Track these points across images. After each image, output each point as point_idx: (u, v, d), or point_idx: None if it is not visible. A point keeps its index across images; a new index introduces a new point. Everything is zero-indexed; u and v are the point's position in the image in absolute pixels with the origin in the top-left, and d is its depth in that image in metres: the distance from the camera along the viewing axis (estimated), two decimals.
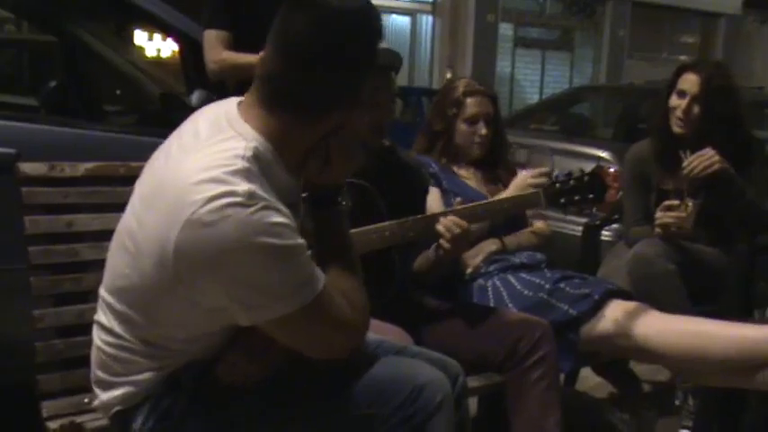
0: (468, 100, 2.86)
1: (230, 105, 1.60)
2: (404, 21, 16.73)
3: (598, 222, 3.72)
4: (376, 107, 2.21)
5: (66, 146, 2.91)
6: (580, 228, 3.93)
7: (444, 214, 2.29)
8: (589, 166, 4.58)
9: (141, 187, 1.61)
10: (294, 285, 1.47)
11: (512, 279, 2.66)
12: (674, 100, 3.10)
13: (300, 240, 1.48)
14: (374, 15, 1.58)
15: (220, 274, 1.43)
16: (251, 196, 1.41)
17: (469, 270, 2.72)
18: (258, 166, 1.47)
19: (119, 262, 1.58)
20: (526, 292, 2.59)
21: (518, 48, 18.13)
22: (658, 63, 18.37)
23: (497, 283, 2.67)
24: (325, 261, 1.63)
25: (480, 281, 2.71)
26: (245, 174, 1.44)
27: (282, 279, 1.45)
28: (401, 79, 15.54)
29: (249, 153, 1.47)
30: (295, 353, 1.56)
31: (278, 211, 1.45)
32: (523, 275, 2.67)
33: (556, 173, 2.46)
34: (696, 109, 3.05)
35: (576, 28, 19.10)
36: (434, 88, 14.63)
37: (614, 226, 4.13)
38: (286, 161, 1.56)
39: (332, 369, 1.63)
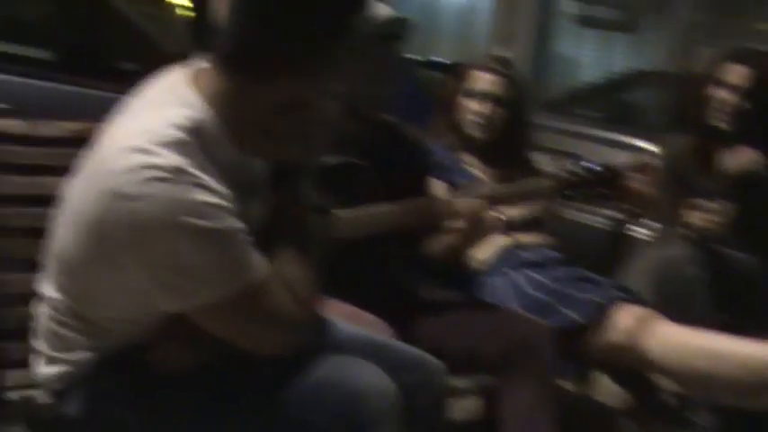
0: (475, 72, 2.81)
1: (185, 70, 1.55)
2: None
3: (626, 220, 3.65)
4: (373, 78, 2.17)
5: (76, 106, 2.92)
6: (606, 221, 3.87)
7: (449, 201, 2.25)
8: (631, 159, 4.64)
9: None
10: (222, 272, 1.43)
11: (518, 276, 2.63)
12: (717, 92, 3.00)
13: (234, 224, 1.44)
14: None
15: (141, 252, 1.40)
16: (177, 171, 1.37)
17: (479, 265, 2.68)
18: (196, 138, 1.42)
19: (58, 227, 1.56)
20: (531, 291, 2.56)
21: (582, 27, 17.87)
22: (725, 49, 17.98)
23: (503, 279, 2.65)
24: (277, 246, 1.59)
25: (488, 277, 2.68)
26: (176, 145, 1.39)
27: (209, 264, 1.41)
28: (453, 54, 15.55)
29: (188, 123, 1.43)
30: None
31: (208, 189, 1.40)
32: (531, 273, 2.63)
33: (568, 165, 2.41)
34: (743, 104, 2.95)
35: (645, 9, 18.77)
36: None
37: (648, 223, 4.04)
38: (234, 134, 1.51)
39: (273, 363, 1.57)
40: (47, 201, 2.13)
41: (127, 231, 1.38)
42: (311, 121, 1.57)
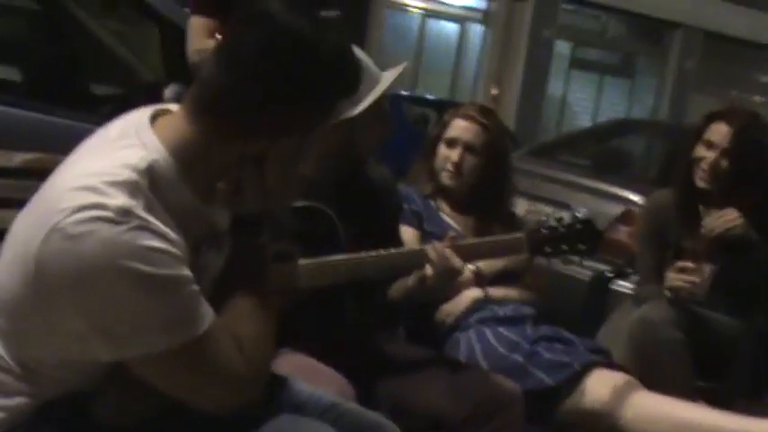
0: (455, 121, 2.81)
1: (147, 112, 1.54)
2: (452, 28, 16.70)
3: (610, 274, 3.64)
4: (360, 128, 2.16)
5: (45, 135, 2.88)
6: (589, 273, 3.86)
7: (415, 252, 2.22)
8: (617, 209, 4.65)
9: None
10: (165, 322, 1.39)
11: (488, 333, 2.59)
12: (701, 151, 3.00)
13: (182, 272, 1.40)
14: (345, 58, 1.53)
15: (80, 296, 1.36)
16: (125, 213, 1.34)
17: (448, 320, 2.65)
18: (150, 182, 1.40)
19: (1, 266, 1.51)
20: (501, 349, 2.52)
21: (574, 69, 18.02)
22: (728, 101, 18.13)
23: (472, 335, 2.60)
24: (231, 299, 1.55)
25: (455, 333, 2.64)
26: (128, 186, 1.36)
27: (151, 312, 1.37)
28: (441, 91, 15.65)
29: (143, 165, 1.40)
30: None
31: (157, 234, 1.37)
32: (501, 330, 2.59)
33: (544, 218, 2.38)
34: (724, 164, 2.95)
35: (640, 53, 18.95)
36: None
37: (631, 277, 4.03)
38: (195, 182, 1.49)
39: (222, 421, 1.52)
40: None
41: (67, 272, 1.34)
42: (281, 175, 1.56)
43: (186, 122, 1.48)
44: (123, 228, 1.33)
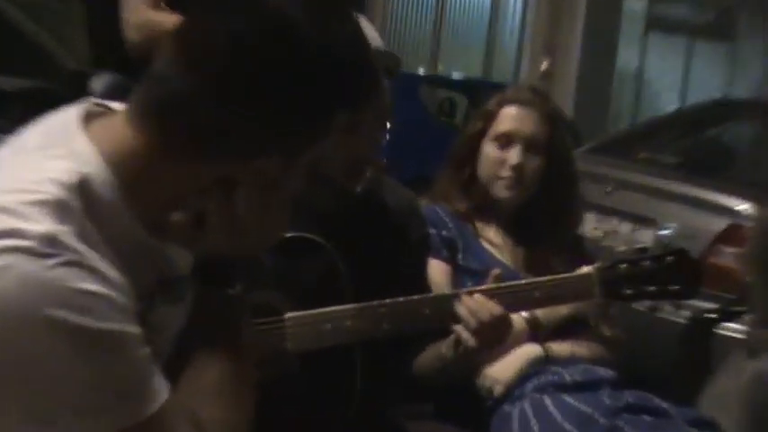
0: (506, 110, 2.80)
1: (77, 112, 1.51)
2: None
3: (712, 314, 3.62)
4: (351, 138, 2.15)
5: None
6: (686, 314, 3.85)
7: (439, 299, 2.21)
8: (720, 225, 4.64)
9: None
10: (103, 397, 1.35)
11: (549, 403, 2.56)
12: None
13: (127, 327, 1.37)
14: (356, 59, 1.51)
15: None
16: (50, 242, 1.31)
17: (497, 389, 2.64)
18: (84, 202, 1.38)
19: None
20: (568, 425, 2.49)
21: (652, 32, 18.09)
22: None
23: (527, 408, 2.57)
24: (191, 368, 1.54)
25: (505, 405, 2.62)
26: (53, 207, 1.34)
27: (84, 383, 1.34)
28: (472, 69, 15.72)
29: (74, 179, 1.38)
30: None
31: (94, 272, 1.34)
32: (569, 400, 2.57)
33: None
34: None
35: (742, 8, 19.01)
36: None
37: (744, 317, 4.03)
38: (142, 207, 1.47)
39: None
40: None
41: None
42: (257, 207, 1.54)
43: (130, 130, 1.46)
44: (48, 262, 1.30)
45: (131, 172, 1.45)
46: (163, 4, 3.02)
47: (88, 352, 1.33)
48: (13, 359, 1.32)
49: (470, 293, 2.24)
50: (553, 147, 2.81)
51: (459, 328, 2.20)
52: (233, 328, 1.61)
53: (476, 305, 2.18)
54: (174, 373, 1.48)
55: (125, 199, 1.44)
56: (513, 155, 2.76)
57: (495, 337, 2.23)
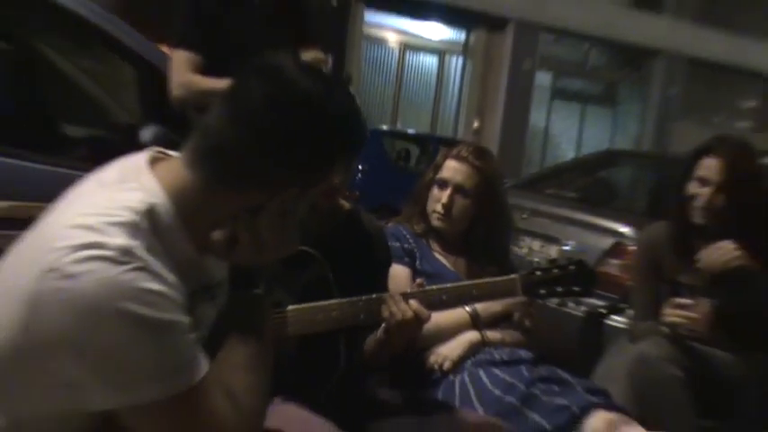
0: (447, 162, 2.81)
1: (145, 156, 1.53)
2: (431, 60, 16.75)
3: (603, 310, 3.62)
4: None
5: (17, 181, 2.83)
6: (583, 309, 3.85)
7: (402, 296, 2.20)
8: (607, 243, 4.64)
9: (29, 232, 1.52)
10: (159, 368, 1.37)
11: (482, 375, 2.56)
12: (694, 187, 2.99)
13: (180, 318, 1.39)
14: (352, 117, 1.55)
15: (75, 337, 1.32)
16: (125, 253, 1.32)
17: (446, 364, 2.63)
18: (150, 225, 1.39)
19: None
20: (497, 392, 2.48)
21: (555, 99, 18.13)
22: (712, 127, 18.26)
23: (466, 378, 2.57)
24: (225, 349, 1.54)
25: (450, 375, 2.61)
26: (128, 227, 1.36)
27: (146, 357, 1.35)
28: (422, 125, 15.70)
29: (143, 207, 1.40)
30: None
31: (157, 276, 1.35)
32: (496, 372, 2.56)
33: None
34: (720, 199, 2.94)
35: (622, 82, 19.08)
36: (457, 138, 14.65)
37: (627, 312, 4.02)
38: (192, 231, 1.48)
39: None
40: None
41: (63, 312, 1.31)
42: (278, 228, 1.55)
43: (186, 170, 1.48)
44: (123, 268, 1.32)
45: (185, 201, 1.47)
46: (200, 71, 3.01)
47: (147, 334, 1.35)
48: (91, 341, 1.33)
49: (403, 297, 2.20)
50: (482, 191, 2.81)
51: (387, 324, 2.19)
52: (259, 318, 1.62)
53: (397, 302, 2.16)
54: (209, 354, 1.49)
55: (180, 222, 1.46)
56: (444, 196, 2.79)
57: (411, 328, 2.18)
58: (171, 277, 1.39)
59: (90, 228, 1.34)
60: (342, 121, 1.52)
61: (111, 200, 1.40)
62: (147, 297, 1.33)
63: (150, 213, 1.41)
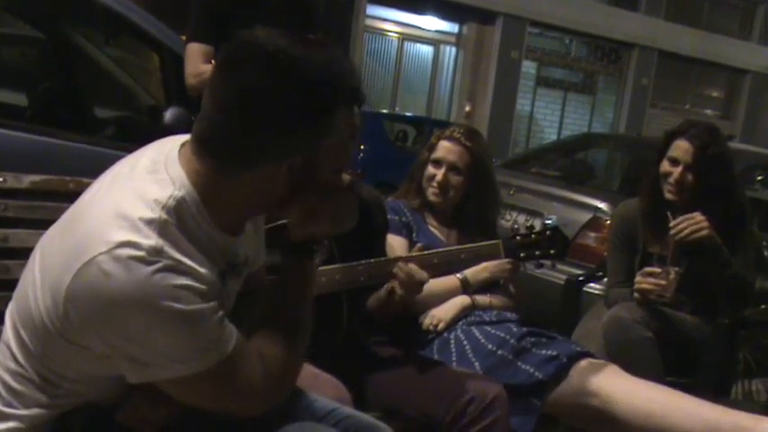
0: (441, 143, 2.80)
1: (175, 144, 1.50)
2: (427, 50, 16.74)
3: (581, 278, 3.62)
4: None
5: (52, 157, 2.83)
6: (563, 276, 3.85)
7: (398, 260, 2.22)
8: (585, 217, 4.64)
9: (72, 207, 1.50)
10: (193, 350, 1.37)
11: (476, 332, 2.56)
12: (666, 166, 2.98)
13: (207, 305, 1.38)
14: (337, 68, 1.43)
15: (108, 329, 1.34)
16: (156, 252, 1.32)
17: (440, 325, 2.63)
18: (178, 219, 1.38)
19: (27, 282, 1.47)
20: (490, 346, 2.49)
21: (540, 87, 18.08)
22: (681, 114, 18.27)
23: (461, 335, 2.57)
24: (267, 317, 1.54)
25: (444, 333, 2.61)
26: (159, 226, 1.35)
27: (180, 343, 1.36)
28: (419, 109, 15.68)
29: (172, 203, 1.38)
30: None
31: (183, 272, 1.35)
32: (488, 328, 2.57)
33: (516, 225, 2.40)
34: (689, 178, 2.94)
35: (600, 72, 19.04)
36: (450, 121, 14.62)
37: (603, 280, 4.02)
38: (218, 215, 1.45)
39: (240, 423, 1.52)
40: (7, 254, 2.06)
41: (97, 306, 1.32)
42: (343, 200, 1.60)
43: (195, 159, 1.44)
44: (154, 267, 1.32)
45: (207, 189, 1.44)
46: (212, 60, 2.99)
47: (178, 325, 1.35)
48: (126, 332, 1.34)
49: (401, 260, 2.25)
50: (473, 169, 2.80)
51: (395, 284, 2.22)
52: (312, 285, 1.63)
53: (405, 266, 2.19)
54: (236, 320, 1.48)
55: (205, 210, 1.44)
56: (439, 174, 2.78)
57: (413, 290, 2.22)
58: (198, 269, 1.38)
59: (128, 227, 1.33)
60: (321, 74, 1.40)
61: (144, 193, 1.39)
62: (175, 293, 1.33)
63: (178, 208, 1.39)
